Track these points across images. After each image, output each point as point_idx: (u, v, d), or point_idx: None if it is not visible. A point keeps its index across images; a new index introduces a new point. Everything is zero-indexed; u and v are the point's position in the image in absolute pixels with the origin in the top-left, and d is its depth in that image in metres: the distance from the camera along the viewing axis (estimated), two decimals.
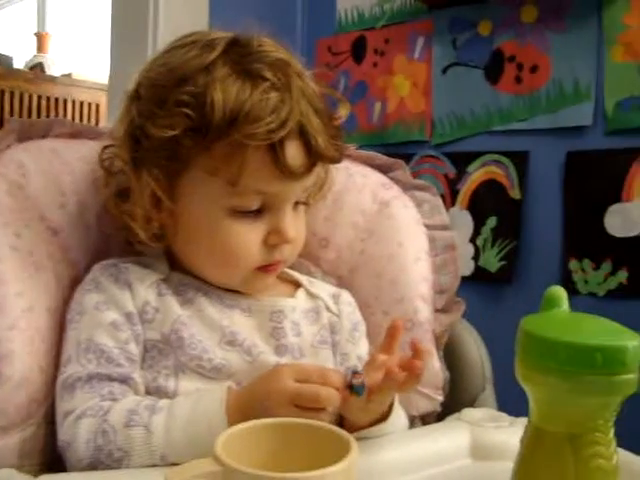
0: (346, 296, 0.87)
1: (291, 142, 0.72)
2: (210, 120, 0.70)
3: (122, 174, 0.78)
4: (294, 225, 0.77)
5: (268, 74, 0.72)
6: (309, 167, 0.74)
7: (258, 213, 0.75)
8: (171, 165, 0.74)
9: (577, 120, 1.60)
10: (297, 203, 0.79)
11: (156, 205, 0.76)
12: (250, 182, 0.72)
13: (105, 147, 0.81)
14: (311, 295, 0.85)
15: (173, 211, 0.76)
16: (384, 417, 0.70)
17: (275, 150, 0.71)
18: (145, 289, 0.76)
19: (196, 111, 0.71)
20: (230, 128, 0.70)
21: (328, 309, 0.84)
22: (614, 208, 1.54)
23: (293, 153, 0.72)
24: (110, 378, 0.70)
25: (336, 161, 0.80)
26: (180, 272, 0.79)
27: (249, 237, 0.75)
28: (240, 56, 0.73)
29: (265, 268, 0.78)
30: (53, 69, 3.82)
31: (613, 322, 0.52)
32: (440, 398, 0.91)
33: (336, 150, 0.77)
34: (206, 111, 0.70)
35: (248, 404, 0.65)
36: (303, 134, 0.72)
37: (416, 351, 0.64)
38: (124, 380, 0.71)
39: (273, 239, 0.76)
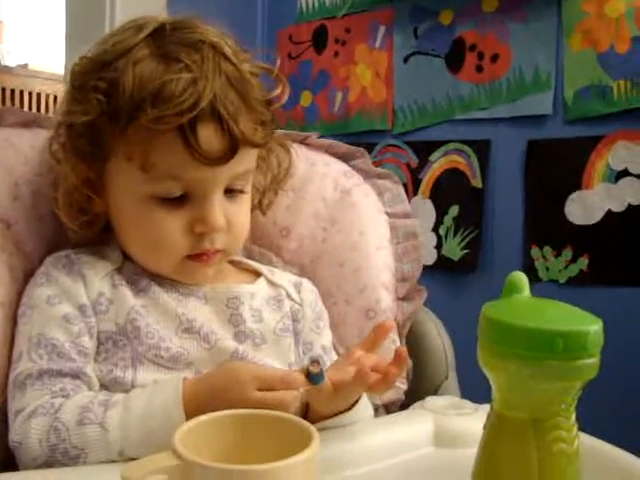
0: (308, 284, 0.87)
1: (205, 125, 0.69)
2: (120, 104, 0.69)
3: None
4: (223, 213, 0.74)
5: (183, 56, 0.69)
6: (229, 152, 0.70)
7: (182, 200, 0.73)
8: (95, 152, 0.73)
9: (537, 109, 1.61)
10: (233, 190, 0.76)
11: (87, 193, 0.75)
12: (163, 168, 0.70)
13: (51, 138, 0.79)
14: (272, 284, 0.83)
15: (104, 199, 0.76)
16: (349, 407, 0.69)
17: (185, 134, 0.68)
18: (99, 280, 0.74)
19: (108, 95, 0.69)
20: (138, 111, 0.68)
21: (290, 297, 0.83)
22: (574, 196, 1.56)
23: (207, 137, 0.69)
24: (61, 374, 0.68)
25: (260, 146, 0.77)
26: (133, 261, 0.78)
27: (171, 224, 0.73)
28: (163, 39, 0.72)
29: (197, 257, 0.75)
30: (8, 59, 3.74)
31: (574, 307, 0.52)
32: (404, 387, 0.91)
33: (261, 135, 0.74)
34: (118, 94, 0.69)
35: (207, 400, 0.63)
36: (219, 117, 0.69)
37: (399, 358, 0.64)
38: (76, 375, 0.69)
39: (199, 227, 0.73)
